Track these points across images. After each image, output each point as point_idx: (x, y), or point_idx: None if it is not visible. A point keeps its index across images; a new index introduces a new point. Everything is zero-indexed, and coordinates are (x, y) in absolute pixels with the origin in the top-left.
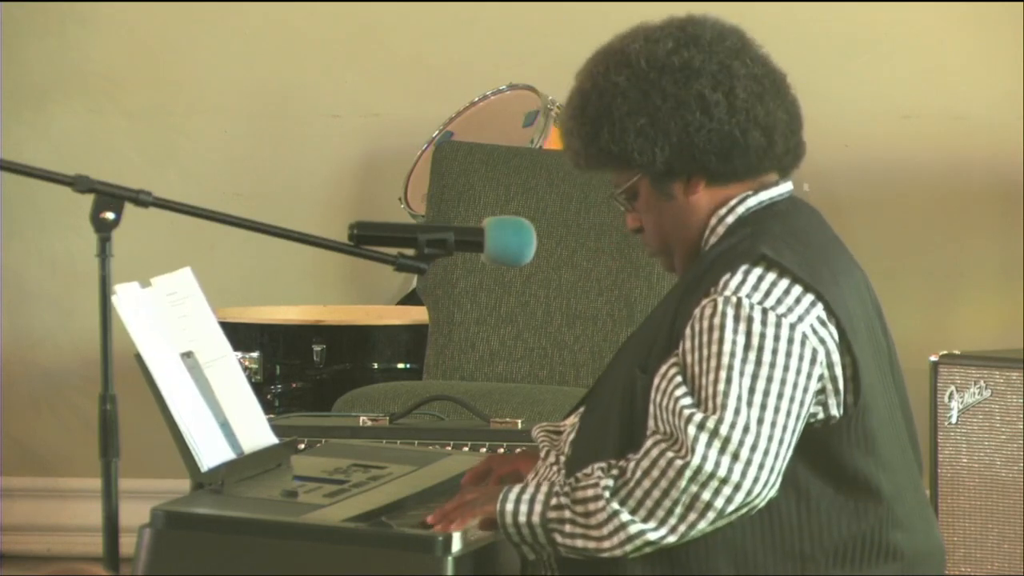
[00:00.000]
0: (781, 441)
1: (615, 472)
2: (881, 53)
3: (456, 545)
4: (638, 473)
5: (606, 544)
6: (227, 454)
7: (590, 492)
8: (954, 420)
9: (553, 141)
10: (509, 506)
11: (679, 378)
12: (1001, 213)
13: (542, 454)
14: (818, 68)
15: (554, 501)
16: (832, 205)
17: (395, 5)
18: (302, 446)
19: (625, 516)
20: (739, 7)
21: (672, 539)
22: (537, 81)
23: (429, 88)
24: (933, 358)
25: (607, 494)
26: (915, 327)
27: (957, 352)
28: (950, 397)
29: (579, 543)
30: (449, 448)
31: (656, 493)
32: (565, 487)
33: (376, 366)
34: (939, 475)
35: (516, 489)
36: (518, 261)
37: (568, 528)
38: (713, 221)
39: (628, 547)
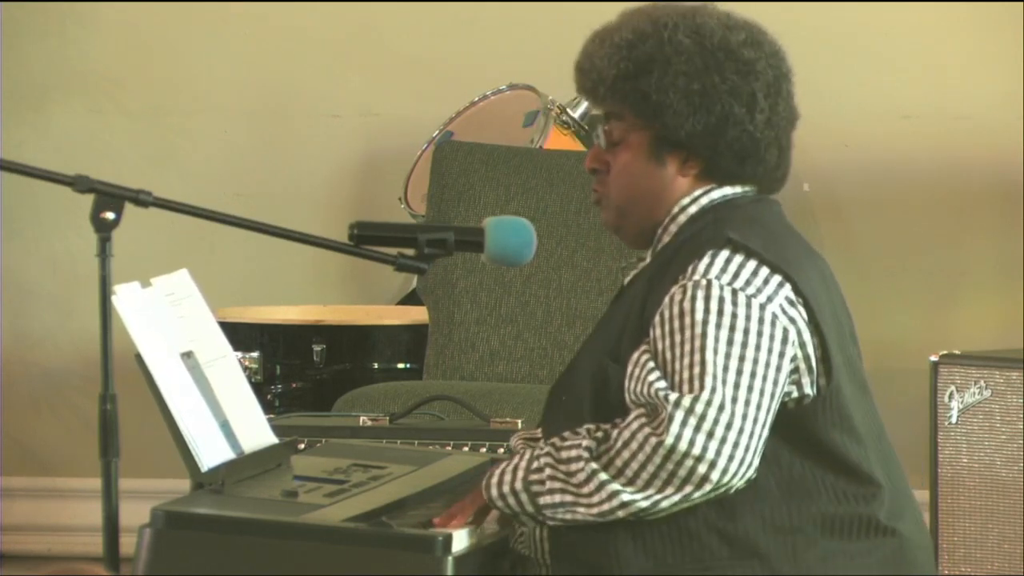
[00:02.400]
0: (756, 420)
1: (599, 435)
2: (881, 53)
3: (456, 545)
4: (619, 444)
5: (592, 500)
6: (227, 454)
7: (573, 452)
8: (954, 420)
9: (553, 141)
10: (494, 479)
11: (651, 363)
12: (1001, 213)
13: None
14: (818, 68)
15: (535, 464)
16: (832, 205)
17: (395, 5)
18: (302, 446)
19: (604, 476)
20: (740, 7)
21: (644, 504)
22: (537, 81)
23: (429, 88)
24: (933, 358)
25: (587, 455)
26: (915, 327)
27: (957, 352)
28: (950, 397)
29: (558, 498)
30: (449, 448)
31: (634, 465)
32: (548, 448)
33: (376, 366)
34: (939, 475)
35: (501, 464)
36: (518, 261)
37: (549, 484)
38: (676, 209)
39: (605, 507)
